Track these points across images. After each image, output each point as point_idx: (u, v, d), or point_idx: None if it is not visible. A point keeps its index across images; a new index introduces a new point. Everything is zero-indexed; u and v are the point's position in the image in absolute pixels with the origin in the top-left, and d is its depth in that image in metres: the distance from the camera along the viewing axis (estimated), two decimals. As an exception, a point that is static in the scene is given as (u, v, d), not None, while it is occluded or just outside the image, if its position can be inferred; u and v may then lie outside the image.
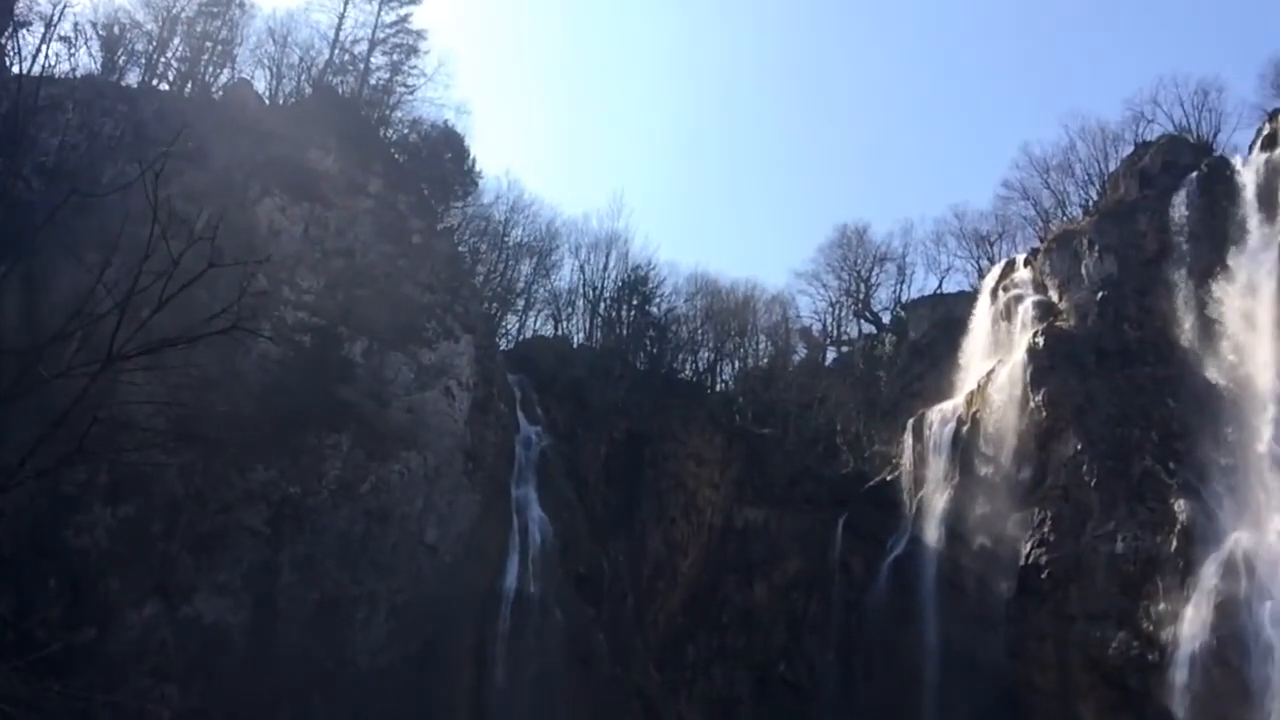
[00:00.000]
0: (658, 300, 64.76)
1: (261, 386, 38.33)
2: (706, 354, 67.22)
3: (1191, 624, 37.77)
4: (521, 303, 64.49)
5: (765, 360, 70.23)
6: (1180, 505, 41.26)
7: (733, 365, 69.14)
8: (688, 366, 65.01)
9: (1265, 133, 51.74)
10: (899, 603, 46.00)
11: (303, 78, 52.71)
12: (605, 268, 64.85)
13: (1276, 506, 39.32)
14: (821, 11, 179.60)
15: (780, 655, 47.82)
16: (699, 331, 67.00)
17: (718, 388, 66.33)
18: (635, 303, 63.85)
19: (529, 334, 63.26)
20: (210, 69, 50.37)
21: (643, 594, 47.65)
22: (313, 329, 41.23)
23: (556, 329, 64.55)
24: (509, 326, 63.58)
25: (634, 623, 45.61)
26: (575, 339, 62.89)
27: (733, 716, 46.27)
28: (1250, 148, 52.59)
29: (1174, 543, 40.36)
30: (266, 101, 50.11)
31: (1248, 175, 49.27)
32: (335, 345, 41.39)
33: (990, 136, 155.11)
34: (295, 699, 34.78)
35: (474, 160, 57.53)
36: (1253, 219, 47.39)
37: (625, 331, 63.30)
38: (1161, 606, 39.13)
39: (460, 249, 55.22)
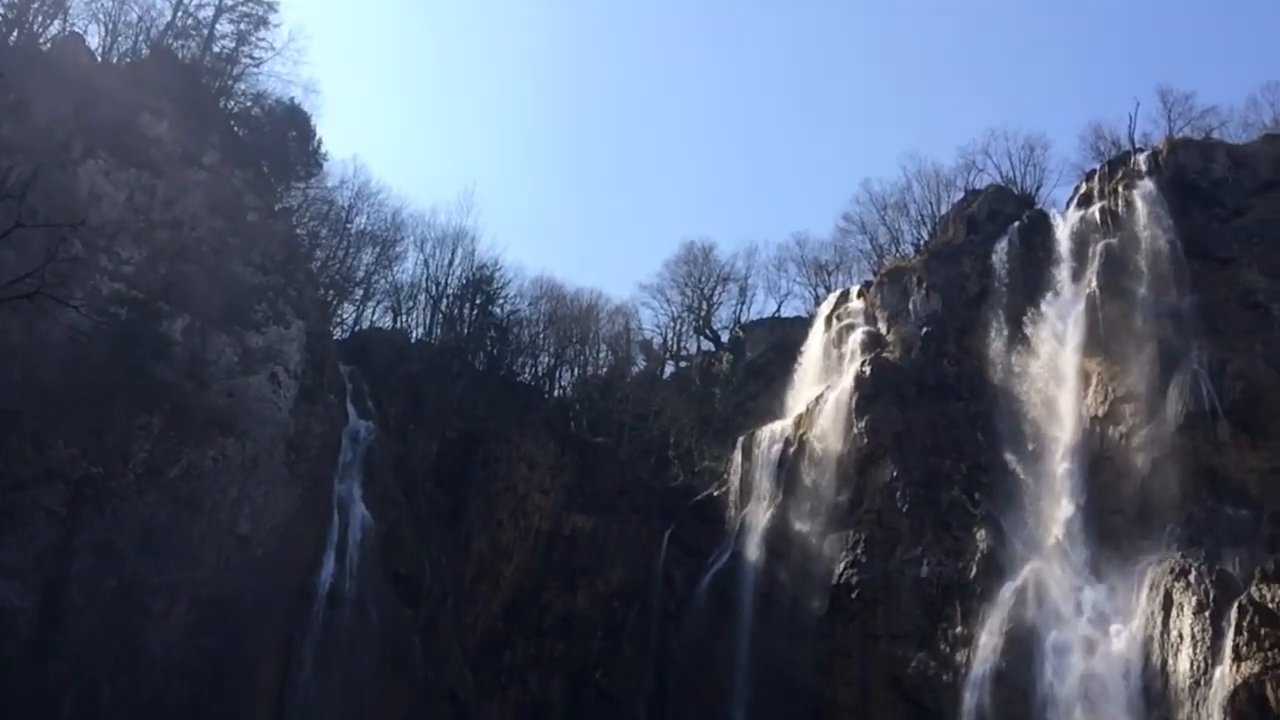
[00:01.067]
0: (501, 301, 64.26)
1: (68, 358, 35.83)
2: (547, 359, 67.15)
3: (984, 648, 39.90)
4: (360, 292, 62.68)
5: (605, 369, 70.67)
6: (982, 534, 43.63)
7: (572, 372, 69.33)
8: (527, 370, 64.71)
9: (1081, 191, 55.57)
10: (717, 615, 46.88)
11: (141, 38, 49.84)
12: (450, 264, 63.85)
13: (1062, 540, 41.93)
14: (686, 31, 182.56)
15: (598, 663, 47.95)
16: (541, 336, 66.85)
17: (556, 393, 66.27)
18: (478, 302, 63.07)
19: (366, 325, 61.51)
20: (40, 19, 46.96)
21: (463, 597, 46.92)
22: (130, 302, 38.86)
23: (395, 322, 63.09)
24: (345, 316, 61.69)
25: (452, 626, 44.83)
26: (414, 334, 61.57)
27: (545, 724, 46.17)
28: (1067, 204, 56.38)
29: (974, 570, 42.60)
30: (99, 59, 47.11)
31: (1063, 230, 52.75)
32: (153, 321, 39.11)
33: (835, 170, 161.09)
34: (82, 690, 32.61)
35: (319, 141, 55.63)
36: (1065, 271, 50.70)
37: (466, 330, 62.44)
38: (959, 629, 41.18)
39: (298, 232, 53.19)
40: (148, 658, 34.38)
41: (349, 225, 60.93)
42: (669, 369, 75.02)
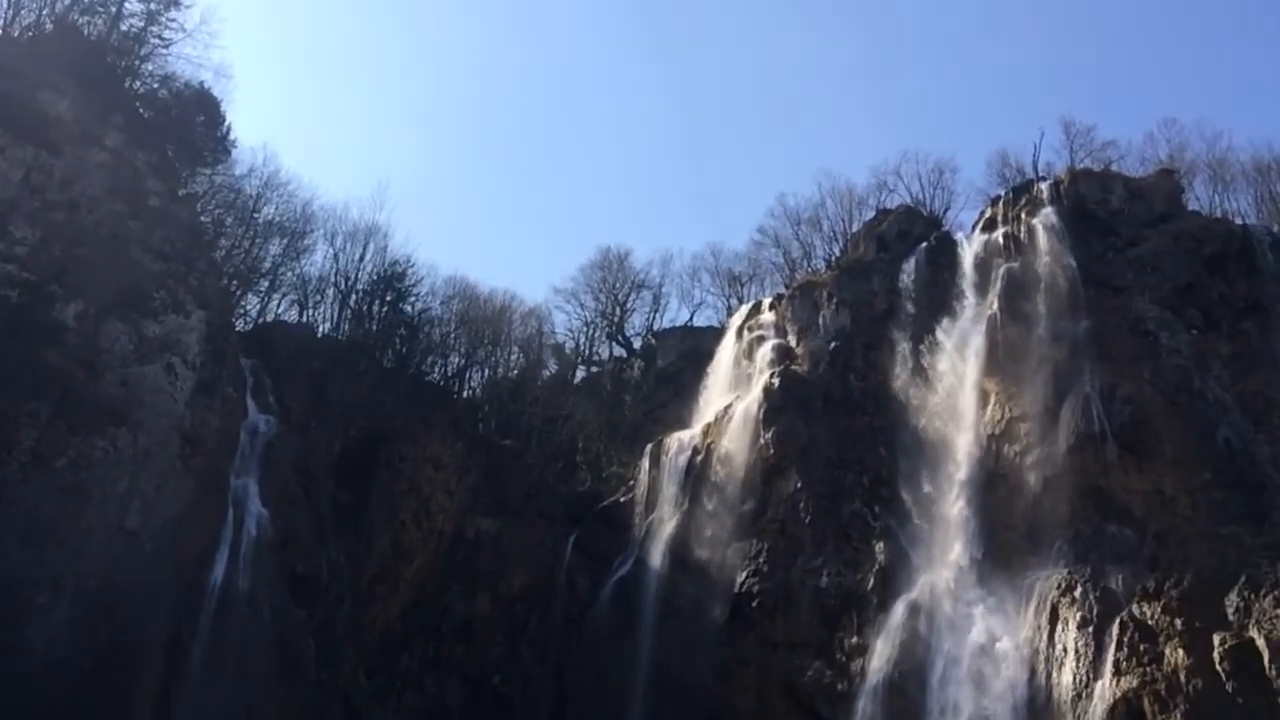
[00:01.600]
0: (413, 299, 63.38)
1: (-49, 339, 34.20)
2: (457, 359, 66.47)
3: (879, 657, 40.60)
4: (266, 284, 61.15)
5: (515, 372, 70.28)
6: (880, 547, 44.47)
7: (482, 373, 68.77)
8: (436, 370, 64.02)
9: (986, 216, 57.26)
10: (619, 622, 46.88)
11: (45, 11, 47.91)
12: (361, 259, 62.84)
13: (960, 555, 42.96)
14: (613, 37, 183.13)
15: (496, 668, 47.49)
16: (452, 336, 66.16)
17: (465, 394, 65.63)
18: (389, 299, 62.13)
19: (270, 318, 60.04)
20: (-64, -10, 44.86)
21: (362, 598, 46.05)
22: (21, 284, 37.23)
23: (301, 316, 61.71)
24: (249, 307, 60.09)
25: (348, 627, 43.93)
26: (320, 328, 60.39)
27: (440, 728, 45.55)
28: (973, 228, 58.03)
29: (872, 581, 43.37)
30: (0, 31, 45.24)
31: (968, 253, 54.19)
32: (45, 305, 37.51)
33: (752, 183, 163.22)
34: (-44, 685, 31.09)
35: (229, 127, 54.19)
36: (969, 293, 52.08)
37: (375, 327, 61.46)
38: (855, 639, 41.87)
39: (203, 219, 51.71)
40: (27, 654, 32.91)
41: (256, 215, 59.49)
42: (580, 374, 74.98)
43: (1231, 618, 35.30)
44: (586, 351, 76.20)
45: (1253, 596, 35.41)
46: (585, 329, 76.58)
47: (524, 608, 49.30)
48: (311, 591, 41.89)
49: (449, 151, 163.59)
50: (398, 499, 49.81)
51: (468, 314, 67.27)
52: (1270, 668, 33.16)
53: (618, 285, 76.76)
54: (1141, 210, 53.23)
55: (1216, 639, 34.48)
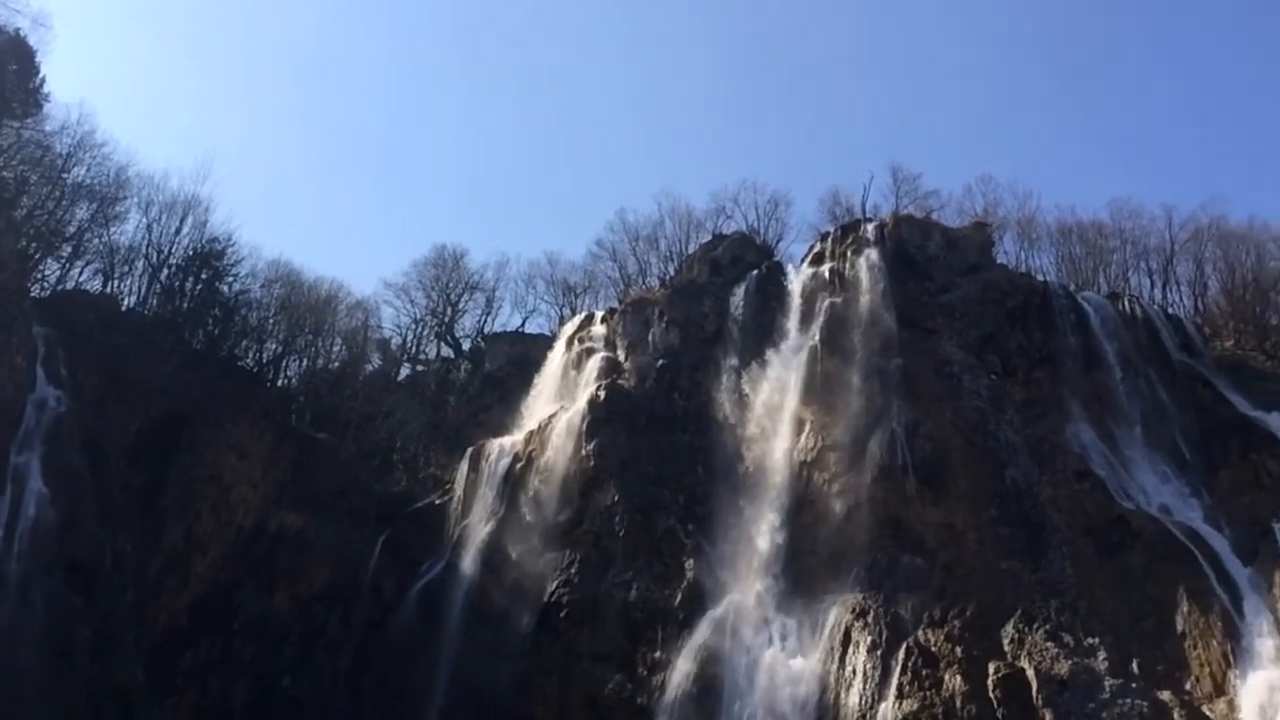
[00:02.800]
0: (230, 279, 60.47)
1: None
2: (274, 346, 63.74)
3: (679, 673, 41.14)
4: (69, 250, 56.91)
5: (336, 364, 67.97)
6: (691, 564, 45.16)
7: (301, 363, 66.15)
8: (250, 355, 61.16)
9: (815, 250, 59.34)
10: (423, 626, 45.81)
11: None
12: (178, 232, 59.45)
13: (761, 575, 44.10)
14: (461, 34, 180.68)
15: (288, 669, 45.53)
16: (270, 322, 63.38)
17: (280, 383, 63.00)
18: (204, 277, 59.05)
19: (71, 285, 55.98)
20: None
21: (147, 589, 43.39)
22: None
23: (106, 287, 57.76)
24: (47, 273, 55.76)
25: (129, 620, 41.28)
26: (126, 301, 56.70)
27: (221, 731, 43.33)
28: (802, 260, 60.04)
29: (679, 597, 43.98)
30: None
31: (796, 284, 56.04)
32: None
33: (594, 195, 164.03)
34: None
35: (42, 80, 50.55)
36: (794, 323, 53.81)
37: (186, 305, 58.30)
38: (658, 654, 42.30)
39: (4, 174, 47.89)
40: None
41: (65, 175, 55.30)
42: (405, 371, 73.28)
43: (1006, 648, 37.67)
44: (413, 349, 74.58)
45: (1026, 629, 37.91)
46: (414, 326, 75.06)
47: (324, 608, 47.47)
48: (91, 580, 39.24)
49: (283, 129, 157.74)
50: (196, 487, 47.26)
51: (289, 300, 64.60)
52: (1038, 697, 35.53)
53: (451, 285, 75.59)
54: (955, 259, 56.37)
55: (991, 668, 36.70)
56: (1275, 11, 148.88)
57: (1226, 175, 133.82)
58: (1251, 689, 33.22)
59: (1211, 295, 63.47)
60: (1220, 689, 34.29)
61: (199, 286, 58.99)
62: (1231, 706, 33.34)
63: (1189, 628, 36.32)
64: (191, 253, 59.22)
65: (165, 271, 58.42)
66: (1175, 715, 33.92)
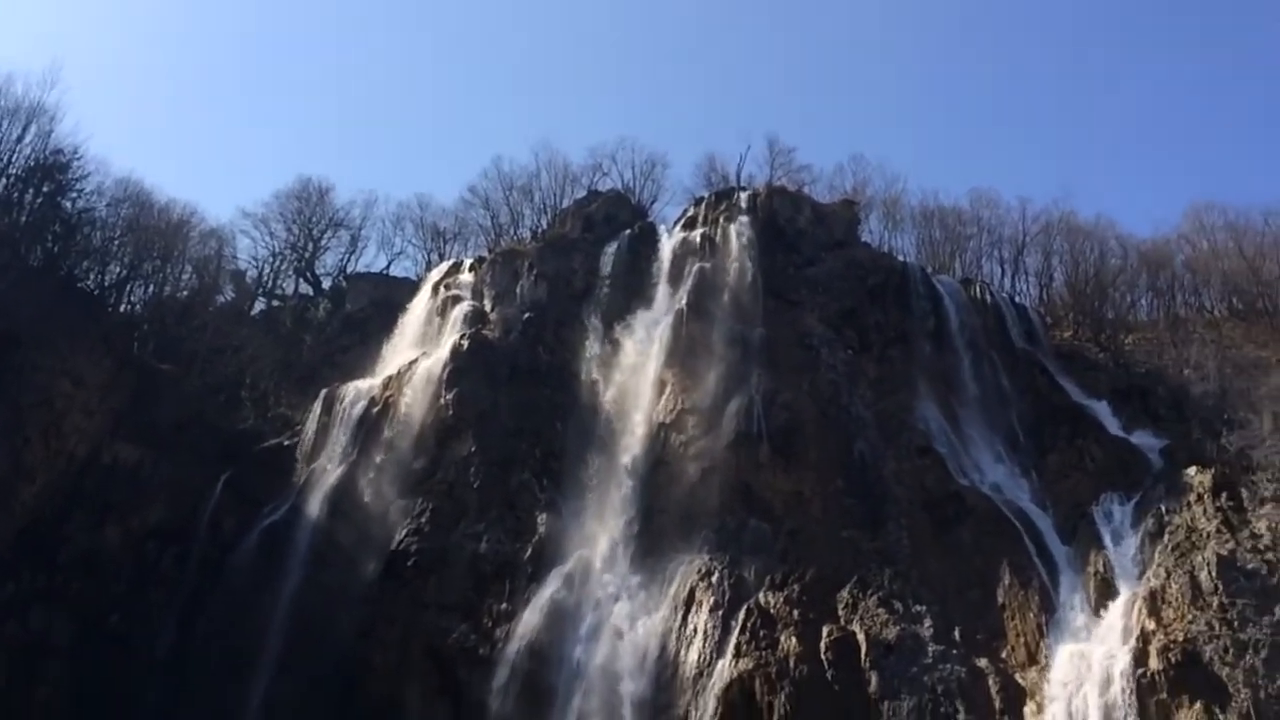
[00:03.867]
0: (75, 195, 56.81)
1: None
2: (119, 269, 60.21)
3: (524, 625, 41.27)
4: (-108, 153, 52.55)
5: (186, 293, 64.83)
6: (543, 519, 45.23)
7: (147, 289, 62.76)
8: (92, 277, 57.74)
9: (689, 214, 59.86)
10: (263, 569, 44.50)
11: None
12: (19, 140, 55.36)
13: (613, 533, 44.55)
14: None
15: (117, 605, 43.59)
16: (116, 243, 59.88)
17: (123, 308, 59.68)
18: (46, 190, 55.42)
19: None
20: None
21: (-35, 517, 40.95)
22: None
23: (-67, 193, 53.63)
24: None
25: (-57, 547, 38.96)
26: (-44, 211, 52.74)
27: (40, 667, 41.22)
28: (675, 224, 60.45)
29: (529, 551, 44.04)
30: None
31: (667, 247, 56.44)
32: None
33: (471, 140, 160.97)
34: None
35: None
36: (663, 285, 54.23)
37: (25, 219, 54.59)
38: (504, 606, 42.32)
39: None
40: None
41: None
42: (260, 306, 70.45)
43: (840, 612, 39.18)
44: (270, 283, 71.73)
45: (861, 595, 39.48)
46: (272, 259, 72.13)
47: (158, 545, 45.52)
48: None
49: (142, 39, 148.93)
50: (25, 412, 44.64)
51: (138, 222, 61.06)
52: (866, 659, 37.11)
53: (314, 220, 72.99)
54: (823, 234, 57.72)
55: (825, 630, 38.10)
56: (1136, 20, 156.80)
57: (1080, 172, 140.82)
58: (1061, 659, 35.44)
59: (1056, 286, 66.94)
60: (1033, 658, 36.48)
61: (39, 200, 55.32)
62: (1041, 675, 35.50)
63: (1009, 600, 38.48)
64: (33, 164, 55.33)
65: (3, 181, 54.47)
66: (990, 681, 35.93)
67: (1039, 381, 49.98)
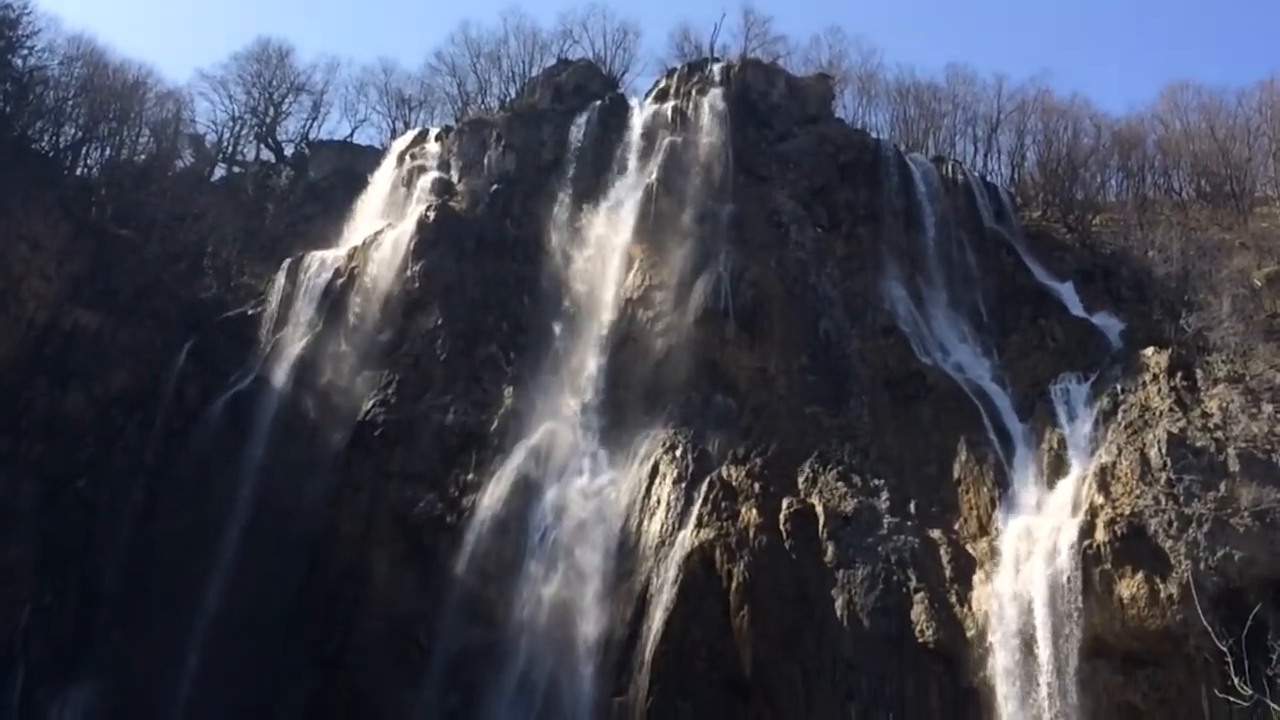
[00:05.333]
0: (25, 53, 54.60)
1: None
2: (73, 131, 58.43)
3: (490, 496, 41.88)
4: None
5: (143, 157, 63.09)
6: (509, 392, 45.45)
7: (103, 152, 61.05)
8: (46, 139, 56.02)
9: (660, 86, 58.58)
10: (229, 437, 44.71)
11: None
12: (-36, -6, 52.92)
13: (579, 407, 44.94)
14: None
15: (82, 470, 43.76)
16: (70, 104, 57.94)
17: (79, 172, 58.16)
18: (-5, 47, 53.21)
19: None
20: None
21: (-77, 381, 40.53)
22: None
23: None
24: None
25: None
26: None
27: (8, 529, 41.55)
28: (646, 96, 59.19)
29: (495, 423, 44.39)
30: None
31: (638, 119, 55.38)
32: None
33: (433, 3, 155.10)
34: None
35: None
36: (633, 158, 53.39)
37: (-26, 78, 52.58)
38: (470, 476, 42.87)
39: None
40: None
41: None
42: (220, 172, 68.83)
43: (800, 486, 40.04)
44: (230, 149, 69.92)
45: (820, 469, 40.30)
46: (231, 124, 70.09)
47: (122, 411, 45.46)
48: None
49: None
50: (-19, 277, 43.96)
51: (92, 82, 59.00)
52: (823, 530, 38.12)
53: (275, 83, 70.74)
54: (796, 109, 56.74)
55: (784, 502, 38.99)
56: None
57: (1058, 47, 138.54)
58: (1011, 532, 36.57)
59: (1028, 166, 66.55)
60: (984, 530, 37.60)
61: (-12, 58, 53.15)
62: (992, 546, 36.65)
63: (964, 474, 39.40)
64: (-19, 21, 53.04)
65: (-51, 39, 52.30)
66: (942, 551, 37.07)
67: (1006, 262, 50.10)
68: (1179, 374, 38.78)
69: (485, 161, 55.00)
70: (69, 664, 39.65)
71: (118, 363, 46.22)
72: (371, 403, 45.10)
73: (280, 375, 46.56)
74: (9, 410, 43.61)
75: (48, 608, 40.89)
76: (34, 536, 41.75)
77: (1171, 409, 37.29)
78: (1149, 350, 40.72)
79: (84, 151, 59.34)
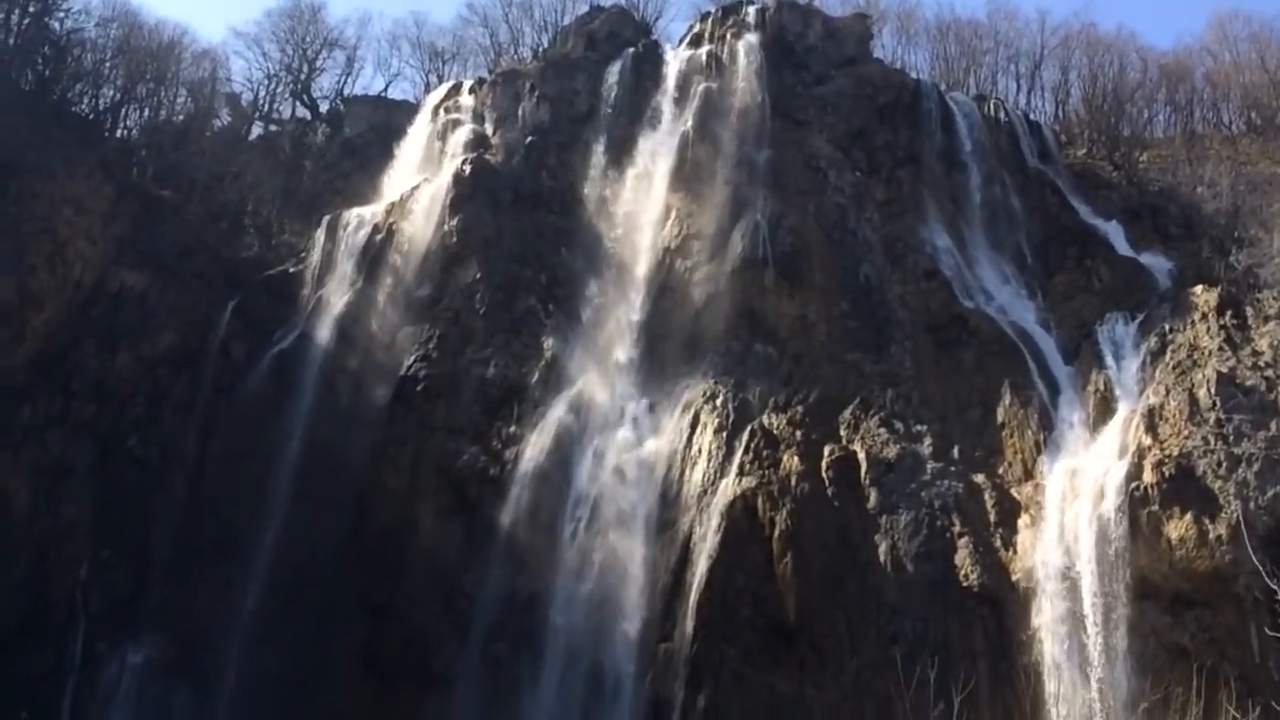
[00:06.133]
0: (61, 15, 54.99)
1: None
2: (112, 92, 58.89)
3: (533, 448, 42.19)
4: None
5: (181, 117, 63.46)
6: (549, 344, 45.58)
7: (142, 113, 61.49)
8: (85, 101, 56.53)
9: (695, 31, 57.75)
10: (275, 394, 45.35)
11: None
12: (-1, -42, 53.20)
13: (618, 358, 44.96)
14: None
15: (133, 429, 44.58)
16: (108, 66, 58.32)
17: (119, 134, 58.68)
18: (32, 10, 53.56)
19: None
20: None
21: (-23, 343, 41.41)
22: None
23: (-86, 16, 51.93)
24: None
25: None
26: (-63, 35, 51.21)
27: (62, 488, 42.60)
28: (680, 41, 58.44)
29: (536, 375, 44.61)
30: None
31: (673, 65, 54.64)
32: None
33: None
34: None
35: None
36: (668, 106, 52.76)
37: (13, 41, 53.06)
38: (513, 429, 43.20)
39: None
40: None
41: None
42: (257, 130, 69.02)
43: (842, 433, 39.96)
44: (266, 107, 69.99)
45: (862, 416, 40.16)
46: (267, 82, 70.10)
47: (170, 371, 46.13)
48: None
49: None
50: (28, 240, 44.52)
51: (128, 43, 59.25)
52: (866, 477, 38.09)
53: (308, 40, 70.53)
54: (833, 50, 55.68)
55: (826, 450, 38.94)
56: None
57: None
58: (1056, 475, 36.27)
59: (1072, 103, 65.01)
60: (1029, 474, 37.33)
61: (26, 20, 53.61)
62: (1037, 489, 36.41)
63: (1008, 418, 39.03)
64: (17, -18, 53.37)
65: (-14, 4, 52.69)
66: (986, 495, 36.92)
67: (1050, 201, 49.09)
68: (1228, 312, 38.01)
69: (519, 113, 54.69)
70: (127, 618, 40.72)
71: (164, 323, 46.87)
72: (413, 358, 45.45)
73: (323, 332, 47.03)
74: (59, 372, 44.45)
75: (105, 563, 41.91)
76: (89, 495, 42.71)
77: (1221, 348, 36.62)
78: (1198, 288, 39.91)
79: (123, 113, 59.90)
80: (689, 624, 36.20)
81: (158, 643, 40.25)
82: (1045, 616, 33.66)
